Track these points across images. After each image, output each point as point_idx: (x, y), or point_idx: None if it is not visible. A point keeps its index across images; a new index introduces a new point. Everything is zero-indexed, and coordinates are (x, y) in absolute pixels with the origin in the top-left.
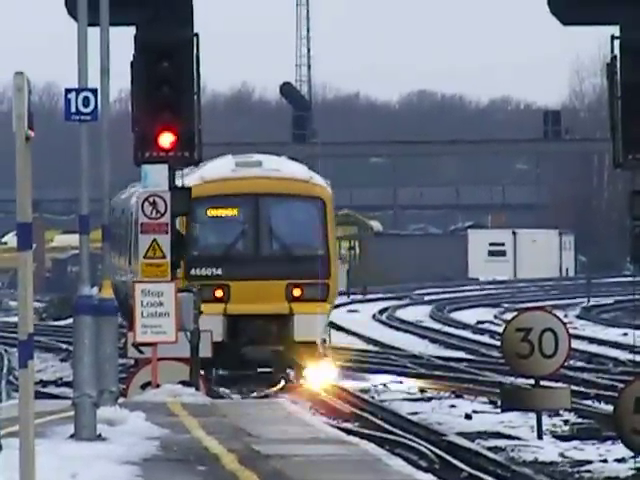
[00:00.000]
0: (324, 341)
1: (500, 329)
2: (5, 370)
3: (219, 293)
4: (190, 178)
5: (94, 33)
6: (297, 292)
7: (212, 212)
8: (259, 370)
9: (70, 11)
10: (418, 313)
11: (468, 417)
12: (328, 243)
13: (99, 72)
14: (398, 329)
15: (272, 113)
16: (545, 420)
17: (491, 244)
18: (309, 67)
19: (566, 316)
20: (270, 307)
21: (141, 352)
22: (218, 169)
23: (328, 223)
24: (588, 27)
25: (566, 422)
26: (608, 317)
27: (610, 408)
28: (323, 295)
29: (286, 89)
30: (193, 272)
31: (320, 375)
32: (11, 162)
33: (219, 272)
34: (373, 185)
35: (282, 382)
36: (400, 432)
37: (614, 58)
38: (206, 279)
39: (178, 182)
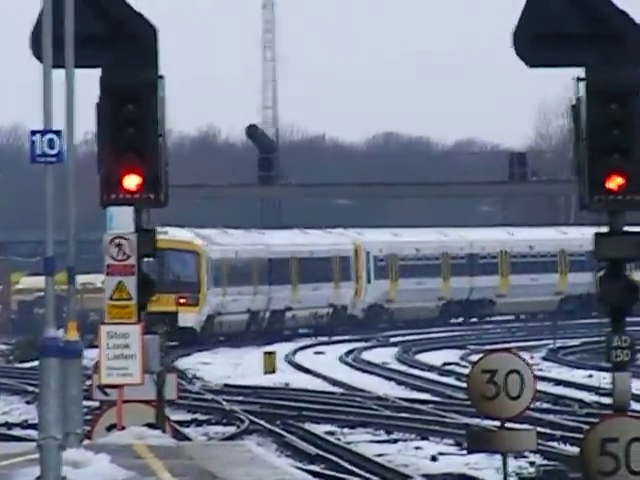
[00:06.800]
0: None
1: (466, 371)
2: None
3: None
4: None
5: (60, 75)
6: (182, 300)
7: None
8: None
9: (35, 53)
10: (384, 355)
11: (434, 459)
12: (199, 275)
13: (65, 114)
14: (364, 371)
15: (238, 155)
16: (511, 462)
17: None
18: (275, 109)
19: (532, 358)
20: (167, 308)
21: (106, 394)
22: None
23: (201, 264)
24: (554, 69)
25: (532, 464)
26: (574, 359)
27: (576, 450)
28: (195, 302)
29: (252, 131)
30: None
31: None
32: None
33: None
34: (339, 227)
35: None
36: (366, 474)
37: (579, 100)
38: None
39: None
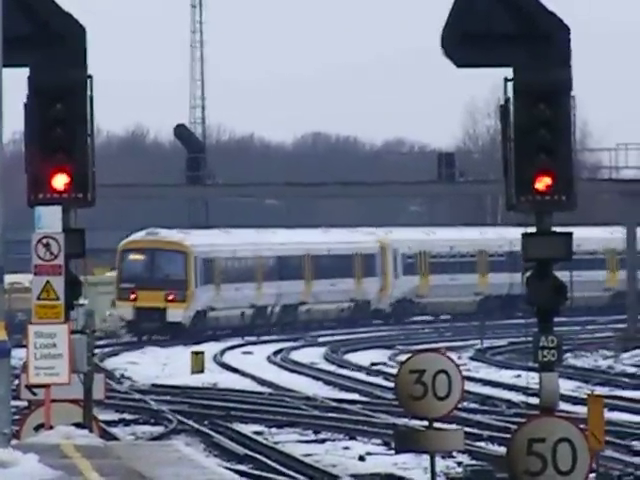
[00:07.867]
0: (183, 323)
1: (394, 371)
2: None
3: (132, 295)
4: (126, 239)
5: None
6: (170, 297)
7: (132, 256)
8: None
9: None
10: (312, 355)
11: (362, 459)
12: (187, 273)
13: None
14: (292, 371)
15: (166, 155)
16: (439, 462)
17: None
18: (203, 109)
19: (460, 358)
20: (156, 304)
21: (34, 394)
22: (137, 235)
23: (188, 263)
24: (482, 69)
25: (459, 464)
26: (502, 359)
27: (503, 450)
28: (183, 298)
29: (180, 131)
30: (122, 285)
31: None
32: None
33: (133, 285)
34: (268, 227)
35: None
36: (294, 474)
37: (507, 100)
38: (127, 289)
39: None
